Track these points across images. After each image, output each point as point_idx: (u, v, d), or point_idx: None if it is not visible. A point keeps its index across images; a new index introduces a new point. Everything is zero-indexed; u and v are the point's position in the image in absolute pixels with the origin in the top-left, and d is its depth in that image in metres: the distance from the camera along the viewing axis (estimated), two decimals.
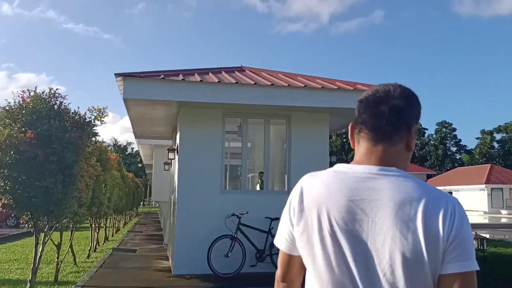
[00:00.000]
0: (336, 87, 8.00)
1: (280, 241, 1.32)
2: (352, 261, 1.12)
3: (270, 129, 8.73)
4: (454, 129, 65.34)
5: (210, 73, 8.38)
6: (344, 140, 60.52)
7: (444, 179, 51.23)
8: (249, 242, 8.10)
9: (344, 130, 10.45)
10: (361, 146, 1.24)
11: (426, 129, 67.40)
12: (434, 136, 65.30)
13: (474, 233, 6.32)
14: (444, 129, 65.41)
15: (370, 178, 1.16)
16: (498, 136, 61.27)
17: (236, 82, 7.74)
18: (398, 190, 1.12)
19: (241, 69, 9.22)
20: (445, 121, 65.66)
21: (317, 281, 1.18)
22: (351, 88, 8.06)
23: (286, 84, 7.84)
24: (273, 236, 8.17)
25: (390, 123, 1.20)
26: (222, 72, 8.71)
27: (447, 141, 65.41)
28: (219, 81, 7.70)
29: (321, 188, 1.21)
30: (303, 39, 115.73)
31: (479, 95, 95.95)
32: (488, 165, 48.22)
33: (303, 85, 7.90)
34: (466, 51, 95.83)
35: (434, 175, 56.49)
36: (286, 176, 8.72)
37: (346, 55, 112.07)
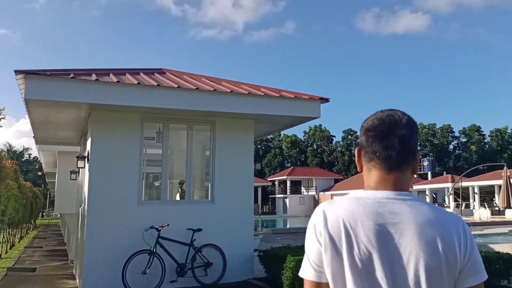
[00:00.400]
0: (262, 94, 7.81)
1: (307, 271, 1.30)
2: (381, 279, 1.18)
3: (192, 135, 8.26)
4: (358, 137, 69.71)
5: (127, 74, 7.69)
6: (259, 146, 61.50)
7: (350, 183, 54.40)
8: (169, 256, 7.54)
9: (269, 137, 10.28)
10: (373, 174, 1.32)
11: (334, 136, 71.14)
12: (341, 143, 69.19)
13: None
14: (349, 137, 69.59)
15: (390, 202, 1.25)
16: None
17: (158, 85, 7.18)
18: (417, 213, 1.23)
19: (161, 71, 8.64)
20: (350, 129, 69.89)
21: None
22: (277, 95, 7.93)
23: (212, 89, 7.46)
24: (195, 249, 7.72)
25: (400, 154, 1.30)
26: (141, 73, 8.07)
27: (352, 148, 69.73)
28: (138, 83, 7.07)
29: (345, 213, 1.25)
30: (218, 45, 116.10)
31: (380, 105, 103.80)
32: None
33: (229, 90, 7.58)
34: (368, 65, 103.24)
35: (341, 179, 59.77)
36: (209, 184, 8.30)
37: (260, 64, 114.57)
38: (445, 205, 44.94)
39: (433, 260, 1.19)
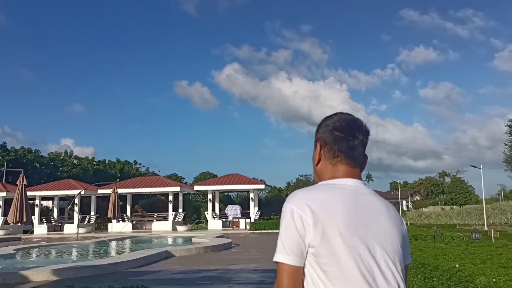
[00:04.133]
0: None
1: (285, 256, 1.31)
2: (367, 255, 1.30)
3: None
4: None
5: None
6: None
7: None
8: None
9: None
10: (340, 168, 1.46)
11: None
12: None
13: None
14: None
15: (360, 189, 1.42)
16: None
17: None
18: (379, 198, 1.44)
19: None
20: None
21: (339, 279, 1.28)
22: None
23: None
24: None
25: (361, 155, 1.49)
26: None
27: None
28: None
29: (325, 197, 1.35)
30: None
31: None
32: None
33: None
34: None
35: None
36: None
37: None
38: None
39: (399, 237, 1.38)
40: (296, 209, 1.30)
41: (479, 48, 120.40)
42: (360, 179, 1.45)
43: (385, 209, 1.39)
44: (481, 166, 34.72)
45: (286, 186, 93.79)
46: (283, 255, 1.30)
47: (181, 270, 10.18)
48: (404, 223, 1.45)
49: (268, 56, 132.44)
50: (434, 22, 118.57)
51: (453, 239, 11.08)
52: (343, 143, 1.45)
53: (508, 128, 57.67)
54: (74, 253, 15.68)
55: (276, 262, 1.32)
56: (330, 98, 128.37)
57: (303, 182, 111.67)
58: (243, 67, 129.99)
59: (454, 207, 67.30)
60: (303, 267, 1.31)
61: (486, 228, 31.72)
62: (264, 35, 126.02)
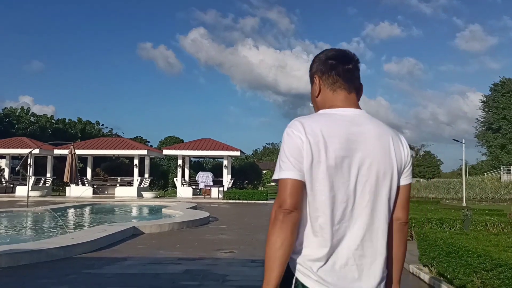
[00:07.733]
0: None
1: (289, 171, 1.45)
2: (350, 179, 1.49)
3: None
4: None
5: None
6: None
7: None
8: None
9: None
10: (339, 94, 1.63)
11: None
12: None
13: None
14: None
15: (356, 117, 1.57)
16: None
17: None
18: (374, 125, 1.57)
19: None
20: None
21: (325, 195, 1.46)
22: None
23: None
24: None
25: (357, 79, 1.67)
26: None
27: None
28: None
29: (321, 125, 1.50)
30: None
31: None
32: None
33: None
34: None
35: None
36: None
37: None
38: None
39: (387, 162, 1.54)
40: (295, 131, 1.48)
41: (441, 26, 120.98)
42: (358, 107, 1.62)
43: (376, 137, 1.54)
44: (464, 140, 33.72)
45: (252, 154, 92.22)
46: (285, 171, 1.45)
47: (155, 259, 7.83)
48: (404, 150, 1.61)
49: (235, 22, 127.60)
50: None
51: (486, 225, 9.16)
52: (339, 67, 1.63)
53: (482, 104, 57.63)
54: (19, 226, 12.96)
55: (277, 181, 1.46)
56: (296, 68, 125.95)
57: (270, 150, 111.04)
58: (209, 32, 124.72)
59: (421, 180, 67.80)
60: (304, 183, 1.46)
61: (464, 204, 31.06)
62: (231, 0, 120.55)
